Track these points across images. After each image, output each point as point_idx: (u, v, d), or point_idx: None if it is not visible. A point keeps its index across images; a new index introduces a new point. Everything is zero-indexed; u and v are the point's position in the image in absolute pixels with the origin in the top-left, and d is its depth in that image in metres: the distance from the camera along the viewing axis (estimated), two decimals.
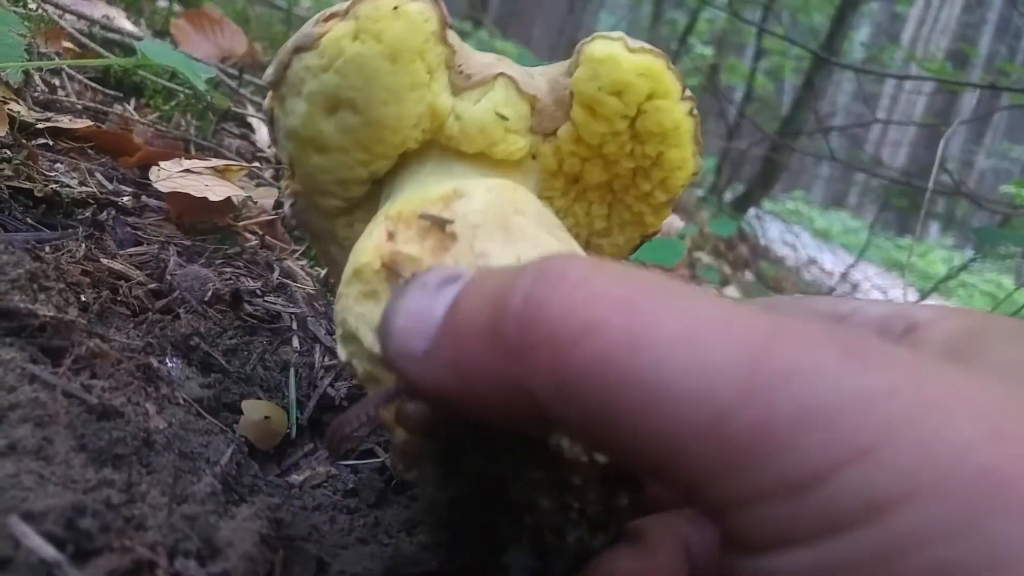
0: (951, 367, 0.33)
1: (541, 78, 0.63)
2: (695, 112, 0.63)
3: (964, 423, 0.29)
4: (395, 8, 0.56)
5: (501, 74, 0.60)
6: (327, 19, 0.57)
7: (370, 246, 0.55)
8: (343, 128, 0.60)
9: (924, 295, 3.39)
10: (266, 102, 0.64)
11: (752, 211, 6.66)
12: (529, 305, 0.36)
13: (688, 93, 0.62)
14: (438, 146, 0.62)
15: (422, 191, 0.58)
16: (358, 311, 0.54)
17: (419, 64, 0.58)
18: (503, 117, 0.60)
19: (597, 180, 0.67)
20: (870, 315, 0.50)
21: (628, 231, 0.71)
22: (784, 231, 7.85)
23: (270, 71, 0.61)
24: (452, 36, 0.59)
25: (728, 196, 7.38)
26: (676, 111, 0.62)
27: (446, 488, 0.49)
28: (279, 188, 1.28)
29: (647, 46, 0.61)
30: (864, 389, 0.30)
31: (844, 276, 5.45)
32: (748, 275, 5.13)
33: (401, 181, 0.62)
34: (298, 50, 0.58)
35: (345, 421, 0.46)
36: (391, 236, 0.54)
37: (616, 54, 0.59)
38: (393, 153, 0.62)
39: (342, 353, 0.57)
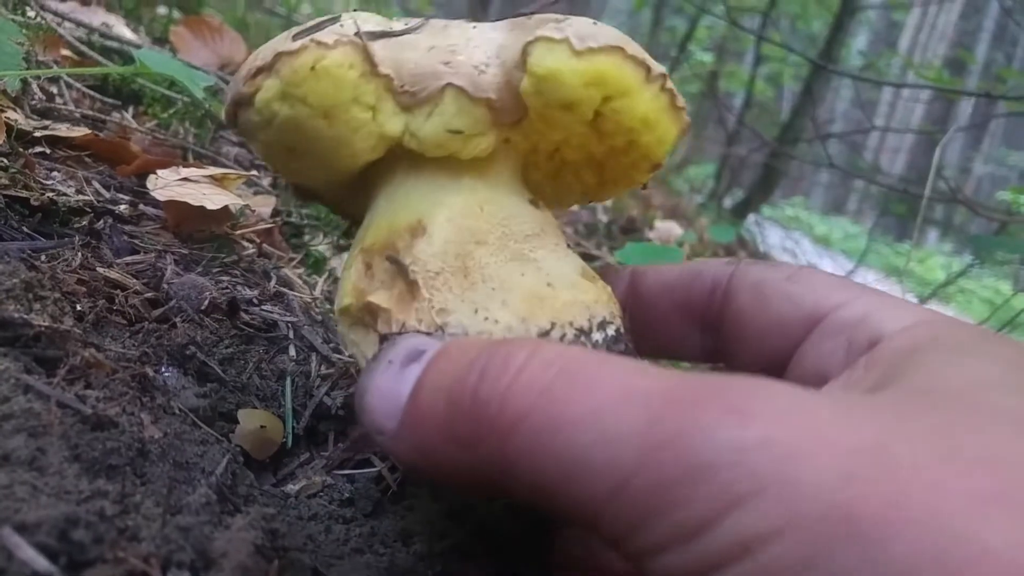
0: (830, 410, 0.37)
1: (496, 64, 0.57)
2: (667, 85, 0.58)
3: (823, 466, 0.33)
4: (312, 68, 0.54)
5: (448, 85, 0.56)
6: (254, 75, 0.56)
7: (349, 285, 0.59)
8: (302, 161, 0.62)
9: (922, 302, 3.39)
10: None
11: (752, 217, 6.65)
12: (476, 404, 0.43)
13: (655, 71, 0.57)
14: (405, 152, 0.60)
15: (392, 215, 0.60)
16: (352, 338, 0.59)
17: (355, 109, 0.56)
18: (457, 131, 0.57)
19: (575, 158, 0.66)
20: (845, 320, 0.53)
21: (623, 184, 0.69)
22: (784, 237, 7.85)
23: (224, 116, 0.62)
24: (382, 58, 0.56)
25: (728, 202, 7.38)
26: (639, 104, 0.57)
27: (436, 503, 0.60)
28: (277, 196, 1.28)
29: (595, 41, 0.54)
30: (738, 442, 0.35)
31: None
32: None
33: (378, 188, 0.63)
34: (238, 104, 0.59)
35: (346, 447, 0.56)
36: (368, 267, 0.58)
37: (558, 69, 0.54)
38: (359, 168, 0.63)
39: (345, 350, 0.63)
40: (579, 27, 0.55)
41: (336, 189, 0.66)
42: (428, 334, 0.53)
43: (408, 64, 0.57)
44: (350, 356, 0.60)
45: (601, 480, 0.37)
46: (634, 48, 0.56)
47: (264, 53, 0.56)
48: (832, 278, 0.57)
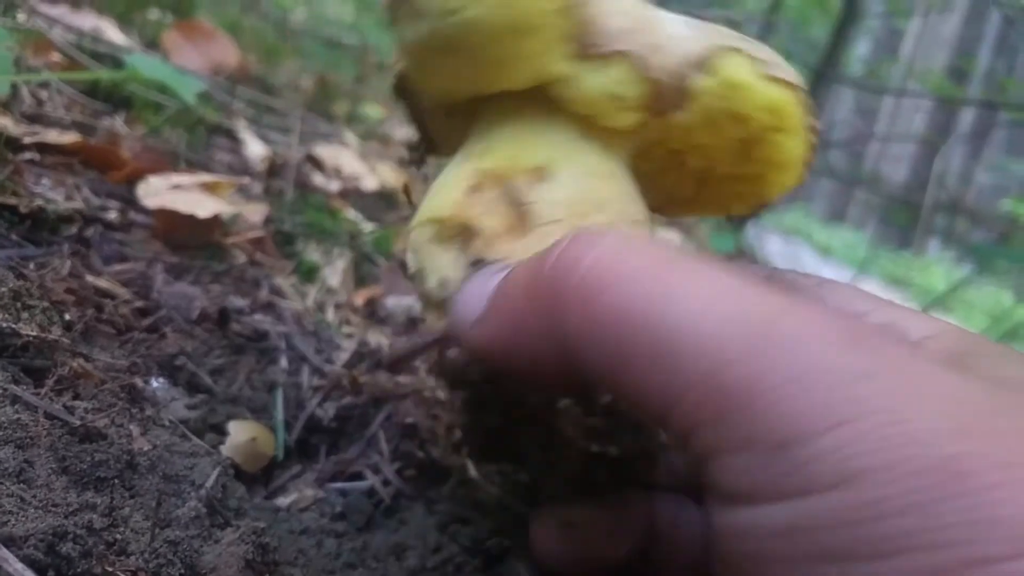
0: (935, 365, 0.36)
1: (677, 55, 0.57)
2: (814, 140, 0.60)
3: (933, 414, 0.33)
4: None
5: (627, 52, 0.55)
6: None
7: (451, 199, 0.56)
8: (446, 65, 0.58)
9: (924, 310, 3.40)
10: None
11: (751, 226, 6.65)
12: (564, 258, 0.42)
13: (813, 123, 0.59)
14: (545, 96, 0.58)
15: (516, 150, 0.57)
16: (428, 251, 0.56)
17: (538, 37, 0.55)
18: (615, 97, 0.56)
19: (694, 166, 0.64)
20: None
21: (711, 207, 0.69)
22: (784, 245, 7.86)
23: None
24: (582, 1, 0.55)
25: None
26: (793, 146, 0.59)
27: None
28: (268, 204, 1.27)
29: (783, 73, 0.57)
30: (848, 367, 0.34)
31: None
32: None
33: (497, 121, 0.60)
34: None
35: (398, 347, 0.54)
36: (475, 190, 0.56)
37: (751, 84, 0.56)
38: (493, 89, 0.59)
39: (410, 262, 0.59)
40: (771, 54, 0.58)
41: (453, 98, 0.63)
42: None
43: (600, 17, 0.56)
44: (416, 268, 0.57)
45: (695, 361, 0.36)
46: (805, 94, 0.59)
47: None
48: (856, 289, 0.58)
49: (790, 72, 0.58)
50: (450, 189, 0.58)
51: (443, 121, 0.67)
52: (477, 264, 0.53)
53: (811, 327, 0.36)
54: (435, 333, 0.56)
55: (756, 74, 0.56)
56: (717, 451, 0.36)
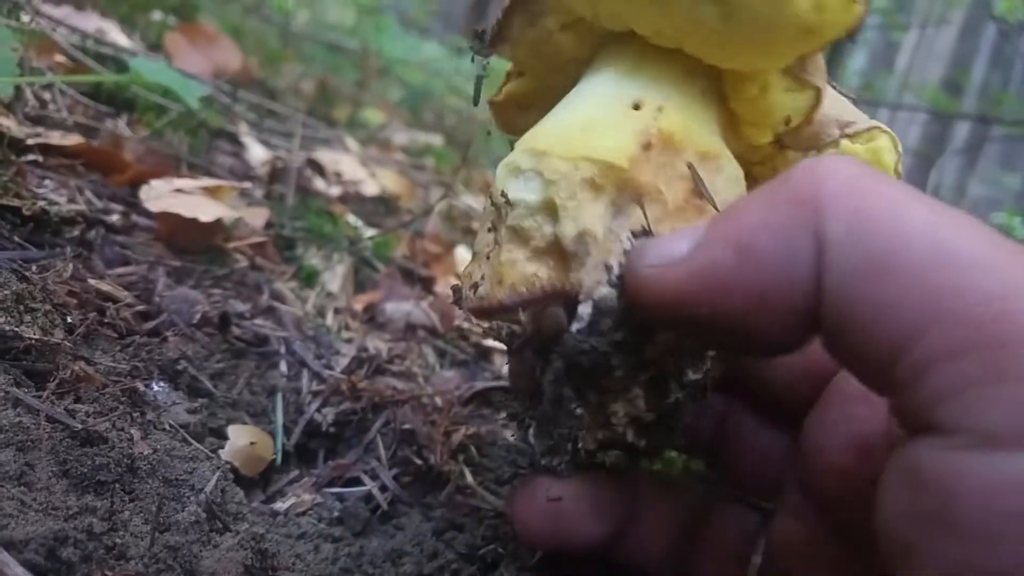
0: None
1: (825, 107, 0.61)
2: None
3: None
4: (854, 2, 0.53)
5: (817, 88, 0.58)
6: None
7: (625, 143, 0.52)
8: (693, 10, 0.52)
9: None
10: None
11: None
12: (815, 168, 0.40)
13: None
14: (715, 75, 0.58)
15: (694, 122, 0.55)
16: (574, 192, 0.51)
17: (808, 47, 0.55)
18: (788, 118, 0.59)
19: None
20: None
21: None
22: None
23: None
24: None
25: None
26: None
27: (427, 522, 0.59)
28: (270, 208, 1.28)
29: (896, 141, 0.63)
30: None
31: None
32: None
33: (663, 79, 0.57)
34: None
35: (498, 302, 0.52)
36: (648, 148, 0.52)
37: (891, 165, 0.62)
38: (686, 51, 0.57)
39: (514, 186, 0.54)
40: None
41: (597, 27, 0.58)
42: None
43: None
44: (557, 200, 0.52)
45: (975, 278, 0.33)
46: None
47: None
48: None
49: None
50: (615, 130, 0.53)
51: (553, 26, 0.59)
52: (645, 234, 0.49)
53: None
54: (545, 287, 0.51)
55: (896, 158, 0.62)
56: (982, 382, 0.32)
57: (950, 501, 0.32)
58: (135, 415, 0.67)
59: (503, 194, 0.54)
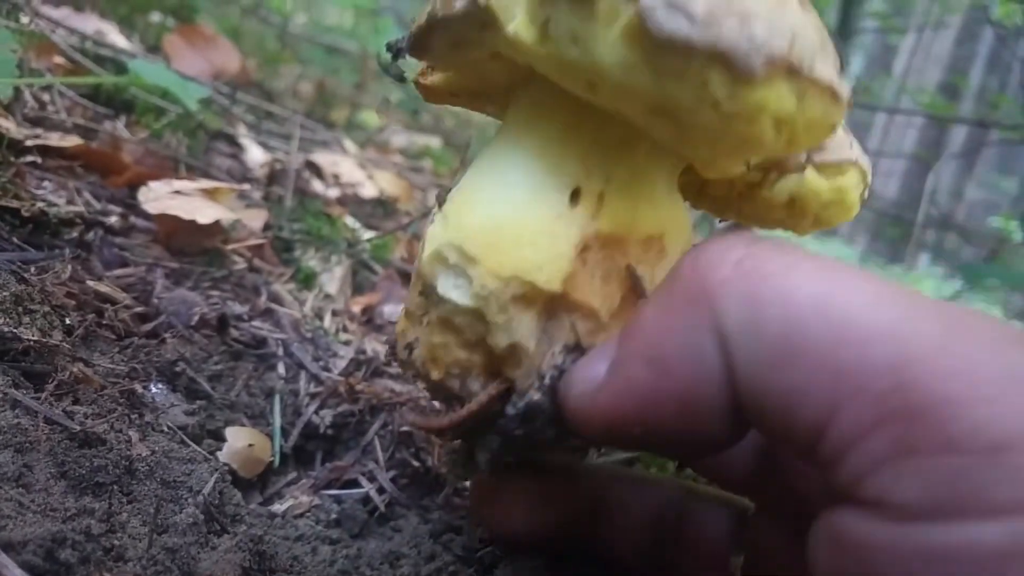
0: None
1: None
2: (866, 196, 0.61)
3: None
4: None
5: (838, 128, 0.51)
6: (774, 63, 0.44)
7: (553, 258, 0.48)
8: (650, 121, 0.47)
9: None
10: None
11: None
12: (704, 259, 0.40)
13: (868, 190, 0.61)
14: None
15: (643, 193, 0.51)
16: (501, 300, 0.49)
17: (778, 146, 0.48)
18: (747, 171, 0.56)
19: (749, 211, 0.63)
20: None
21: (738, 216, 0.66)
22: None
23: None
24: None
25: (720, 221, 7.37)
26: (850, 211, 0.60)
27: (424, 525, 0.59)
28: (268, 210, 1.28)
29: (866, 173, 0.58)
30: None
31: None
32: None
33: (604, 146, 0.51)
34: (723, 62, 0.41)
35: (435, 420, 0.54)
36: (585, 251, 0.49)
37: (853, 197, 0.58)
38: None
39: (438, 273, 0.51)
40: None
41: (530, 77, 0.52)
42: None
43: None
44: (482, 302, 0.49)
45: (874, 353, 0.33)
46: None
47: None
48: None
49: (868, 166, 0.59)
50: (549, 240, 0.49)
51: (477, 59, 0.53)
52: (576, 351, 0.49)
53: (996, 329, 0.33)
54: (483, 397, 0.50)
55: (860, 194, 0.58)
56: (897, 455, 0.32)
57: (869, 570, 0.33)
58: (133, 417, 0.67)
59: (431, 284, 0.52)
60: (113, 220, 0.99)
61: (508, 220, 0.50)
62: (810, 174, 0.56)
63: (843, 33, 5.19)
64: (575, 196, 0.50)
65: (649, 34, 0.39)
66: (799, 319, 0.35)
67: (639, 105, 0.44)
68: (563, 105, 0.51)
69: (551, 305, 0.49)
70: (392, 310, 1.16)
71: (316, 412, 0.82)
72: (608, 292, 0.50)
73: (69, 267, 0.80)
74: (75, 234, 0.91)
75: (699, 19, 0.38)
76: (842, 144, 0.57)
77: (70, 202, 0.97)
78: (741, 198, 0.60)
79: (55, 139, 1.09)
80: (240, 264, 1.07)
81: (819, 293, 0.35)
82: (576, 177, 0.50)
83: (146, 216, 1.03)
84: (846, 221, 0.60)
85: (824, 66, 0.42)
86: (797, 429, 0.36)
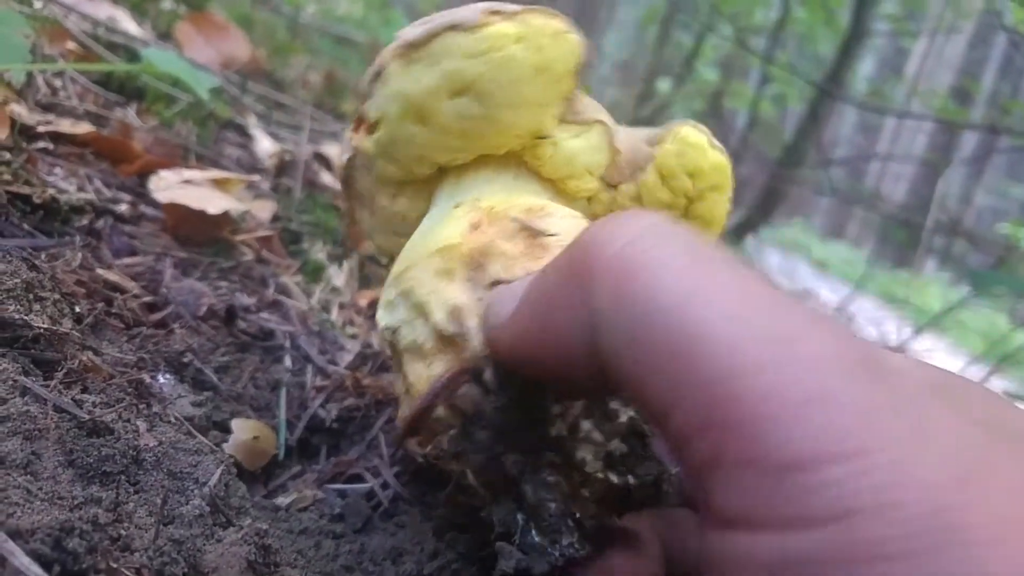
0: (942, 406, 0.35)
1: (625, 136, 0.70)
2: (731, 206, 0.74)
3: (937, 459, 0.32)
4: (565, 33, 0.62)
5: (600, 121, 0.68)
6: (491, 13, 0.61)
7: (457, 230, 0.59)
8: (458, 113, 0.63)
9: (918, 331, 3.41)
10: (383, 58, 0.64)
11: (751, 239, 6.63)
12: (600, 233, 0.42)
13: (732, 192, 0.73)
14: (519, 161, 0.67)
15: (512, 196, 0.63)
16: (431, 286, 0.57)
17: (554, 87, 0.63)
18: (590, 161, 0.68)
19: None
20: None
21: None
22: (782, 260, 7.85)
23: (415, 32, 0.62)
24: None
25: (727, 223, 7.35)
26: (724, 205, 0.72)
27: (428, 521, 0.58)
28: (276, 201, 1.28)
29: (722, 148, 0.70)
30: (866, 397, 0.33)
31: (840, 308, 5.47)
32: None
33: (478, 180, 0.67)
34: (454, 27, 0.61)
35: (415, 410, 0.54)
36: (476, 227, 0.59)
37: (703, 144, 0.69)
38: (484, 151, 0.66)
39: (388, 318, 0.60)
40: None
41: (423, 165, 0.68)
42: None
43: (582, 97, 0.69)
44: (421, 300, 0.56)
45: (708, 362, 0.34)
46: None
47: (501, 4, 0.62)
48: None
49: (723, 149, 0.71)
50: (447, 224, 0.60)
51: (386, 201, 0.73)
52: (497, 284, 0.54)
53: (832, 350, 0.35)
54: (446, 373, 0.53)
55: (707, 140, 0.69)
56: (716, 463, 0.34)
57: (706, 570, 0.36)
58: (141, 407, 0.67)
59: (387, 329, 0.60)
60: (123, 208, 0.99)
61: (418, 233, 0.64)
62: (657, 152, 0.69)
63: (855, 35, 5.18)
64: (458, 206, 0.64)
65: None
66: (652, 316, 0.37)
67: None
68: (447, 180, 0.70)
69: (467, 266, 0.57)
70: None
71: (322, 405, 0.83)
72: (511, 243, 0.58)
73: (79, 255, 0.80)
74: (85, 221, 0.91)
75: None
76: (590, 107, 0.69)
77: (81, 189, 0.97)
78: (613, 204, 0.72)
79: (67, 126, 1.09)
80: (248, 255, 1.07)
81: (680, 293, 0.37)
82: (459, 199, 0.65)
83: (155, 205, 1.03)
84: (723, 206, 0.72)
85: None
86: (647, 412, 0.39)
